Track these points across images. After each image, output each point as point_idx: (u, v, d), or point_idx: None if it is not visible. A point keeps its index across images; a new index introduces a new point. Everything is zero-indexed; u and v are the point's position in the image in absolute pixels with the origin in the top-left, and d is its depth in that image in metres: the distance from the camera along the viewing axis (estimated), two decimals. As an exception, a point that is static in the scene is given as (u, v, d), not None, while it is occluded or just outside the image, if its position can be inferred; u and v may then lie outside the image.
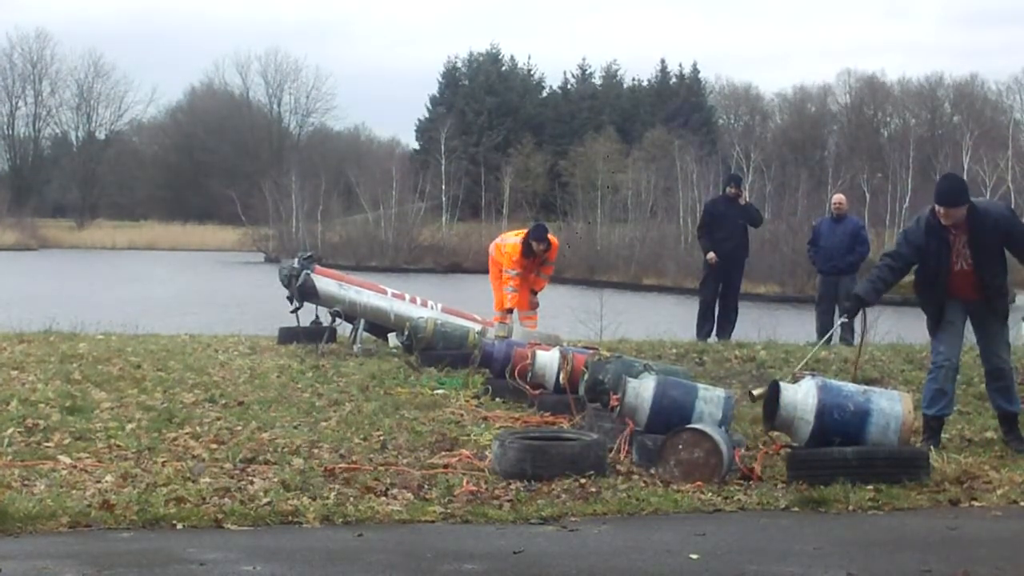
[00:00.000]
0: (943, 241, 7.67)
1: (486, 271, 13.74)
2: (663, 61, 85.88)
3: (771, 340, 12.90)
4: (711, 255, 13.98)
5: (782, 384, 6.82)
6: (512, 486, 6.41)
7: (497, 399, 9.32)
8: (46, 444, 7.27)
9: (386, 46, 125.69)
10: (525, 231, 13.19)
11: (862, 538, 5.54)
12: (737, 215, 14.15)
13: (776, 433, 6.99)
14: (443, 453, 7.27)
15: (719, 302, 14.09)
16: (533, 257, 12.94)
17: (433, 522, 5.79)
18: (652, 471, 6.72)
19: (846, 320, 8.44)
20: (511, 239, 13.25)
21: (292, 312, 13.08)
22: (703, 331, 13.87)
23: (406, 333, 11.84)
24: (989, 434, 7.96)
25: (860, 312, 8.00)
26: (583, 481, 6.47)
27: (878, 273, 7.88)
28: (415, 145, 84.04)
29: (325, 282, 12.99)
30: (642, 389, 7.19)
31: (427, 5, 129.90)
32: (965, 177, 55.83)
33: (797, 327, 17.18)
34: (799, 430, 6.65)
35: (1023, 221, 8.04)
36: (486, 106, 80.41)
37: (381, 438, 7.68)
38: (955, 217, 7.62)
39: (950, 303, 7.79)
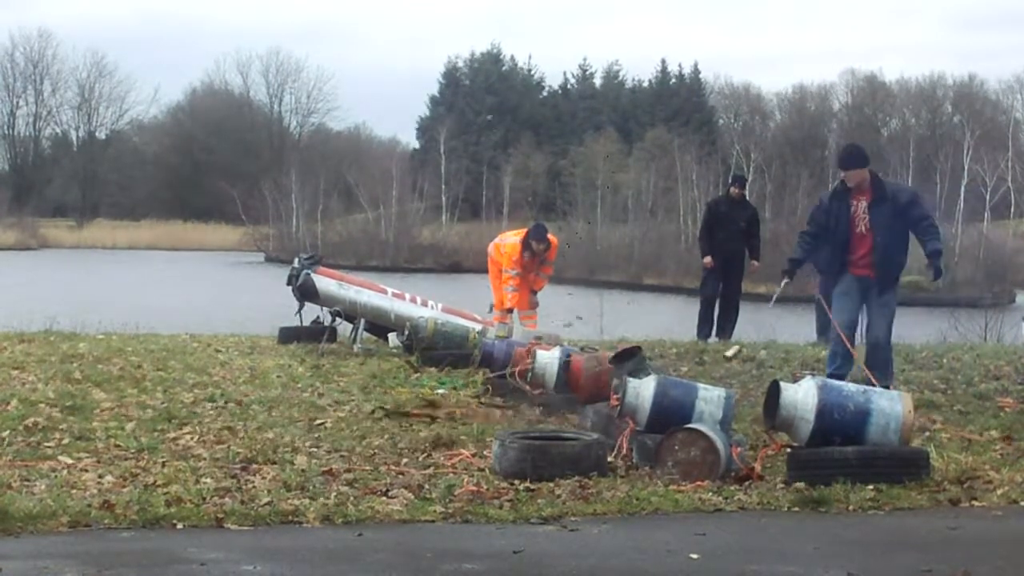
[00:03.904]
0: (845, 204, 8.91)
1: (486, 271, 13.74)
2: (663, 61, 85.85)
3: (771, 340, 12.88)
4: (707, 259, 14.00)
5: (782, 384, 6.82)
6: (512, 486, 6.41)
7: (497, 399, 9.32)
8: (46, 444, 7.27)
9: (387, 46, 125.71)
10: (524, 231, 13.20)
11: (862, 538, 5.53)
12: (739, 216, 14.15)
13: (776, 433, 6.99)
14: (441, 453, 7.27)
15: (719, 302, 14.08)
16: (533, 257, 12.94)
17: (433, 522, 5.79)
18: (651, 471, 6.72)
19: (788, 280, 9.40)
20: (510, 239, 13.26)
21: (296, 314, 13.11)
22: (703, 331, 13.85)
23: (406, 333, 11.84)
24: (990, 434, 7.96)
25: (795, 272, 9.31)
26: (583, 481, 6.47)
27: (800, 241, 9.35)
28: (415, 144, 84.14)
29: (325, 282, 13.00)
30: (643, 389, 7.18)
31: (429, 6, 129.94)
32: (965, 177, 56.02)
33: (797, 327, 17.16)
34: (799, 430, 6.65)
35: (923, 202, 9.36)
36: (486, 106, 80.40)
37: (381, 438, 7.67)
38: (856, 179, 8.88)
39: (848, 278, 8.99)
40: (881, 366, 8.86)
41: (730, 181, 15.42)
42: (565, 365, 8.86)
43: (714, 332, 13.90)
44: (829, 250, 9.11)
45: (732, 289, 14.15)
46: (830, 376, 8.19)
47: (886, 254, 8.88)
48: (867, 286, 8.97)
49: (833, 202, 9.02)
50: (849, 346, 8.78)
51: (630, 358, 8.14)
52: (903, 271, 9.19)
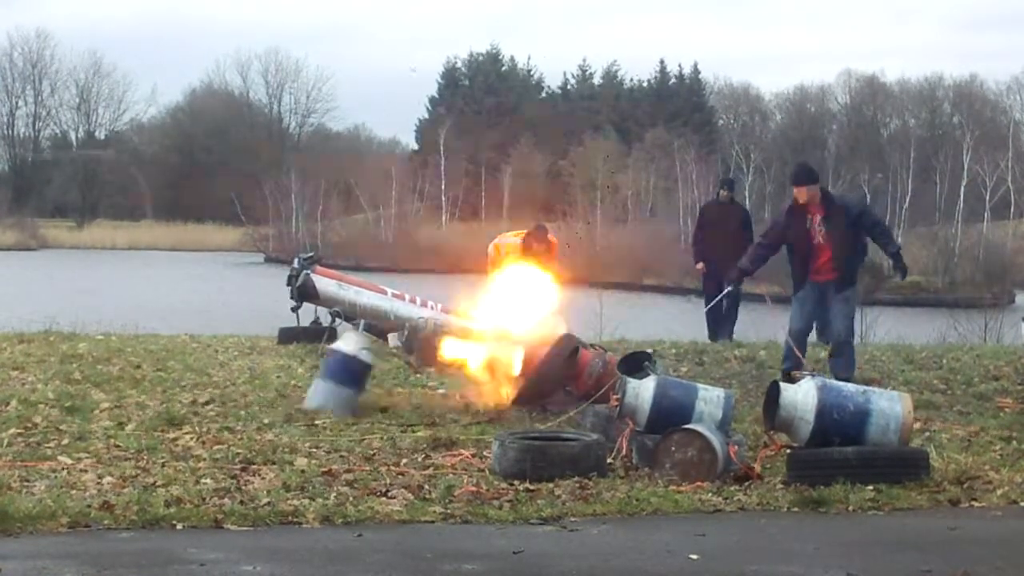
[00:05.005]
0: (801, 218, 9.67)
1: (486, 271, 13.71)
2: (663, 61, 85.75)
3: (771, 340, 12.89)
4: (700, 265, 14.03)
5: (782, 384, 6.82)
6: (512, 486, 6.41)
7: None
8: (46, 444, 7.26)
9: (387, 46, 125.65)
10: (525, 231, 13.18)
11: (862, 538, 5.54)
12: (729, 219, 14.15)
13: (776, 433, 6.99)
14: (440, 453, 7.27)
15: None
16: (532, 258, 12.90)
17: (433, 522, 5.79)
18: (650, 471, 6.72)
19: (731, 288, 10.66)
20: (510, 239, 13.24)
21: (292, 311, 13.09)
22: (713, 334, 13.79)
23: (406, 333, 11.83)
24: (990, 433, 7.96)
25: (742, 280, 10.34)
26: (583, 481, 6.47)
27: (754, 250, 10.17)
28: (415, 145, 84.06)
29: (325, 282, 12.98)
30: (642, 389, 7.18)
31: (429, 6, 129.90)
32: (965, 177, 55.96)
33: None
34: (799, 430, 6.65)
35: (873, 210, 10.28)
36: (485, 106, 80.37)
37: (381, 438, 7.67)
38: (807, 195, 9.65)
39: (807, 285, 9.75)
40: (844, 360, 9.69)
41: (718, 185, 15.40)
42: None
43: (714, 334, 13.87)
44: (795, 262, 9.88)
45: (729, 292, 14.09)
46: (784, 372, 9.40)
47: (844, 260, 9.70)
48: (826, 288, 9.76)
49: (790, 218, 9.80)
50: (799, 353, 9.54)
51: (638, 363, 8.11)
52: (862, 267, 10.31)
